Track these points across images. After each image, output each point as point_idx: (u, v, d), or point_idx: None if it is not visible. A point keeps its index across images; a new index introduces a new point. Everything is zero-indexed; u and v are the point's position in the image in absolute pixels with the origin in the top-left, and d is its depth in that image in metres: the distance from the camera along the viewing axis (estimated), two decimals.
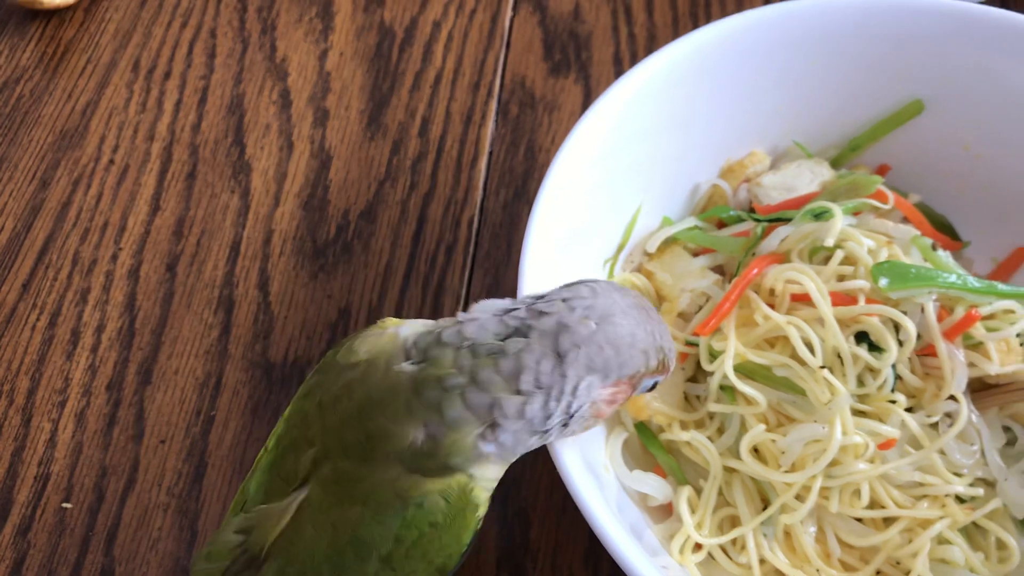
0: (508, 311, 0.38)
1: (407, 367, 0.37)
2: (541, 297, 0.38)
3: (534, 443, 0.38)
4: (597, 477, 0.45)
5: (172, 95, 0.66)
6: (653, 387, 0.41)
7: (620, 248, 0.53)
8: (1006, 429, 0.49)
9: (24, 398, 0.55)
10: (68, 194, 0.62)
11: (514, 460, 0.39)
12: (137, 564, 0.51)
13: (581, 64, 0.68)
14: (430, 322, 0.39)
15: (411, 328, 0.39)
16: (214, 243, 0.60)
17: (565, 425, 0.38)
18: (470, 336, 0.37)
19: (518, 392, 0.36)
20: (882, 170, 0.57)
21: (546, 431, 0.38)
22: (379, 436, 0.37)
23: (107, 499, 0.52)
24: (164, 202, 0.62)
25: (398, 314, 0.58)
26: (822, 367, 0.45)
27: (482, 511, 0.39)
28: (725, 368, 0.46)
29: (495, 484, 0.39)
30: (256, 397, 0.55)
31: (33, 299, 0.58)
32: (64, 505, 0.52)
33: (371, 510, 0.38)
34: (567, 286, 0.39)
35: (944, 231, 0.56)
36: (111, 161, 0.63)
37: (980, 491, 0.46)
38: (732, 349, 0.46)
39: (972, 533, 0.48)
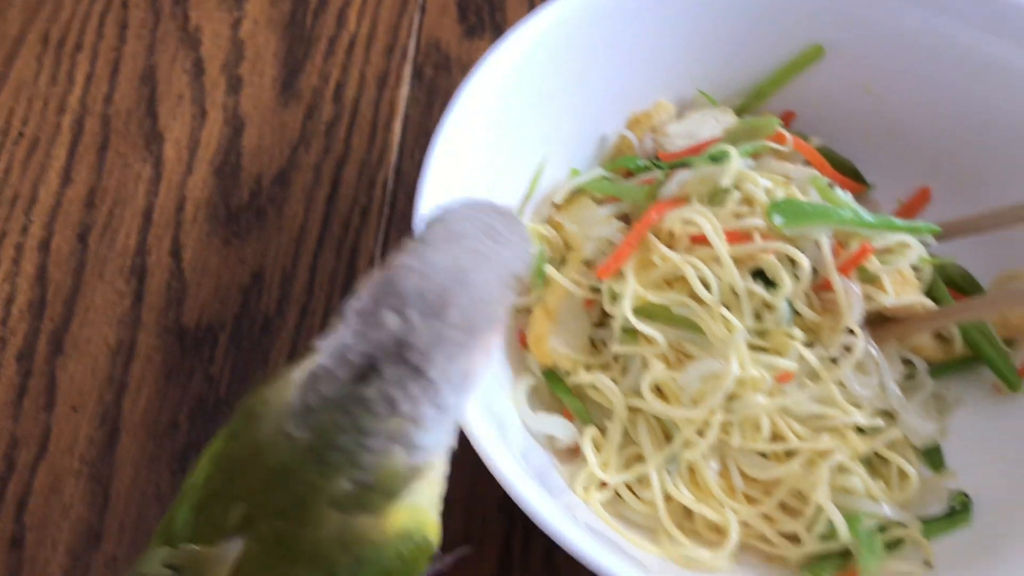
0: (344, 347, 0.34)
1: (302, 437, 0.35)
2: (366, 315, 0.34)
3: (454, 421, 0.36)
4: (502, 425, 0.46)
5: (83, 67, 0.66)
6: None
7: (527, 199, 0.53)
8: (907, 362, 0.51)
9: None
10: None
11: (451, 441, 0.37)
12: (49, 531, 0.50)
13: (495, 25, 0.68)
14: (309, 371, 0.36)
15: (298, 377, 0.36)
16: (127, 213, 0.60)
17: (465, 392, 0.36)
18: (328, 393, 0.34)
19: (405, 416, 0.34)
20: (787, 116, 0.57)
21: (455, 409, 0.35)
22: (306, 496, 0.35)
23: (17, 468, 0.52)
24: (75, 174, 0.62)
25: (312, 277, 0.58)
26: (718, 303, 0.45)
27: (435, 543, 0.37)
28: (624, 309, 0.46)
29: (444, 482, 0.37)
30: (170, 363, 0.55)
31: None
32: None
33: (320, 569, 0.36)
34: (387, 279, 0.34)
35: (849, 174, 0.57)
36: (20, 134, 0.63)
37: (880, 422, 0.47)
38: (631, 290, 0.47)
39: (874, 463, 0.48)
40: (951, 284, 0.53)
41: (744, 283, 0.46)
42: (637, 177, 0.54)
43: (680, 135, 0.54)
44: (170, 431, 0.53)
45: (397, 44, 0.67)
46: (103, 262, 0.58)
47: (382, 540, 0.35)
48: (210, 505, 0.38)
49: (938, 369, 0.52)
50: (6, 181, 0.61)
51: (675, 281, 0.48)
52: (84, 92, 0.65)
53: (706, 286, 0.46)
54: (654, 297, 0.47)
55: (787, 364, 0.45)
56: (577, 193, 0.54)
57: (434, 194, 0.45)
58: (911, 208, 0.56)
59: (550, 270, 0.50)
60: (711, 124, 0.54)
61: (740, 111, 0.57)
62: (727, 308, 0.46)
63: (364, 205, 0.60)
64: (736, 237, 0.47)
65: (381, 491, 0.35)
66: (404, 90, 0.65)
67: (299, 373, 0.36)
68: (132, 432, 0.53)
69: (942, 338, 0.52)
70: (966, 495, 0.48)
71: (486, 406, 0.44)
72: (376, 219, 0.60)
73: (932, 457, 0.50)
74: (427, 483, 0.36)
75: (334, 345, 0.35)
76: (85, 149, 0.63)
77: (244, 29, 0.68)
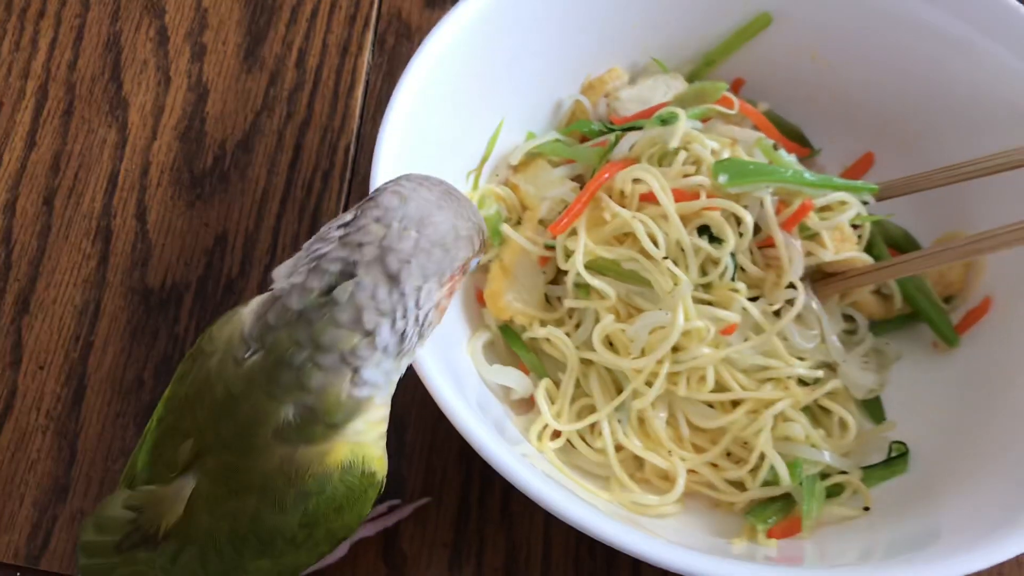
0: (321, 256, 0.36)
1: (253, 359, 0.36)
2: (349, 224, 0.36)
3: (403, 365, 0.38)
4: (459, 377, 0.47)
5: (47, 34, 0.66)
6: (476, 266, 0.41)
7: (484, 160, 0.55)
8: (848, 319, 0.53)
9: None
10: None
11: (394, 390, 0.39)
12: (16, 485, 0.52)
13: None
14: (266, 296, 0.38)
15: (250, 308, 0.38)
16: (91, 177, 0.61)
17: (421, 335, 0.38)
18: (294, 306, 0.35)
19: (366, 333, 0.35)
20: (737, 83, 0.59)
21: (407, 350, 0.37)
22: (252, 424, 0.36)
23: None
24: (40, 138, 0.62)
25: (275, 239, 0.59)
26: (665, 258, 0.47)
27: (381, 475, 0.39)
28: (576, 263, 0.48)
29: (386, 425, 0.39)
30: (135, 322, 0.56)
31: None
32: None
33: (268, 501, 0.37)
34: (371, 200, 0.37)
35: (796, 139, 0.59)
36: None
37: (820, 373, 0.49)
38: (582, 245, 0.48)
39: (817, 414, 0.51)
40: (892, 244, 0.55)
41: (690, 239, 0.48)
42: (591, 141, 0.55)
43: (632, 100, 0.56)
44: (135, 388, 0.54)
45: (359, 13, 0.68)
46: (68, 224, 0.59)
47: (324, 472, 0.37)
48: (163, 445, 0.40)
49: (879, 325, 0.54)
50: None
51: (625, 238, 0.49)
52: (48, 58, 0.65)
53: (654, 242, 0.47)
54: (605, 252, 0.48)
55: (731, 316, 0.47)
56: (533, 155, 0.55)
57: (391, 155, 0.46)
58: (855, 171, 0.58)
59: (506, 228, 0.52)
60: (662, 90, 0.56)
61: (691, 78, 0.58)
62: (674, 263, 0.48)
63: (326, 170, 0.62)
64: (683, 195, 0.49)
65: (323, 421, 0.36)
66: (366, 58, 0.66)
67: (252, 306, 0.38)
68: (98, 389, 0.54)
69: (883, 295, 0.54)
70: (904, 444, 0.51)
71: (444, 359, 0.46)
72: (338, 183, 0.61)
73: (872, 409, 0.52)
74: (369, 422, 0.37)
75: (305, 259, 0.36)
76: (50, 114, 0.63)
77: None
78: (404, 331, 0.36)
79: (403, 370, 0.39)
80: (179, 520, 0.38)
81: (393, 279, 0.35)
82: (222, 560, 0.39)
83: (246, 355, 0.36)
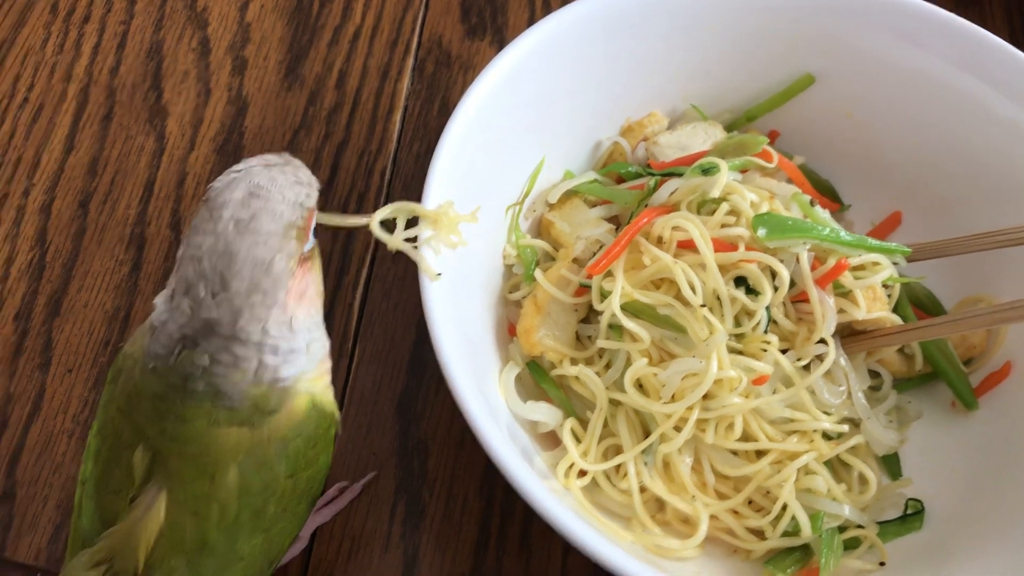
0: (164, 325, 0.39)
1: (166, 370, 0.39)
2: (165, 296, 0.39)
3: (299, 326, 0.40)
4: (491, 407, 0.48)
5: (91, 38, 0.67)
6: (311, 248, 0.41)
7: (524, 196, 0.55)
8: (874, 375, 0.54)
9: None
10: None
11: (319, 342, 0.41)
12: (39, 487, 0.52)
13: (496, 28, 0.70)
14: (155, 312, 0.40)
15: (148, 322, 0.41)
16: (128, 183, 0.61)
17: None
18: (169, 363, 0.39)
19: (235, 360, 0.38)
20: (771, 135, 0.60)
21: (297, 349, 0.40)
22: (199, 416, 0.39)
23: (10, 425, 0.53)
24: (79, 142, 0.63)
25: None
26: (702, 305, 0.48)
27: (335, 413, 0.43)
28: (613, 305, 0.49)
29: (328, 376, 0.43)
30: None
31: None
32: None
33: (252, 465, 0.39)
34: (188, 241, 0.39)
35: (826, 193, 0.60)
36: (25, 99, 0.64)
37: (845, 428, 0.50)
38: (619, 287, 0.49)
39: (837, 467, 0.51)
40: (916, 304, 0.56)
41: (727, 289, 0.48)
42: (627, 183, 0.56)
43: (671, 146, 0.57)
44: None
45: (400, 38, 0.69)
46: (103, 229, 0.60)
47: (293, 423, 0.40)
48: (109, 474, 0.40)
49: (900, 383, 0.55)
50: (10, 144, 0.62)
51: (661, 282, 0.50)
52: (90, 62, 0.66)
53: (692, 290, 0.48)
54: (641, 296, 0.49)
55: (763, 367, 0.48)
56: (570, 194, 0.56)
57: (443, 179, 0.48)
58: (882, 230, 0.59)
59: (539, 275, 0.52)
60: (701, 137, 0.57)
61: (729, 128, 0.60)
62: (709, 310, 0.48)
63: (361, 191, 0.62)
64: (721, 245, 0.49)
65: (264, 409, 0.39)
66: (405, 83, 0.67)
67: (147, 324, 0.40)
68: None
69: (905, 354, 0.55)
70: (920, 502, 0.51)
71: (477, 388, 0.46)
72: (372, 205, 0.62)
73: (890, 465, 0.53)
74: (309, 380, 0.41)
75: (159, 320, 0.39)
76: (89, 118, 0.64)
77: (251, 12, 0.69)
78: (276, 348, 0.39)
79: (305, 328, 0.40)
80: (158, 537, 0.39)
81: (232, 338, 0.38)
82: (215, 557, 0.39)
83: (154, 366, 0.39)
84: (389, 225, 0.46)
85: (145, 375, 0.39)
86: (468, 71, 0.68)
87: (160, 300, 0.40)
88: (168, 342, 0.38)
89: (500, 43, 0.70)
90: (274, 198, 0.39)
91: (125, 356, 0.41)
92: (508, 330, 0.54)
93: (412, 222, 0.47)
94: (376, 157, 0.64)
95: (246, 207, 0.38)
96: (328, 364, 0.43)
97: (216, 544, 0.39)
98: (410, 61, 0.68)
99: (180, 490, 0.39)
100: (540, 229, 0.56)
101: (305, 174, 0.41)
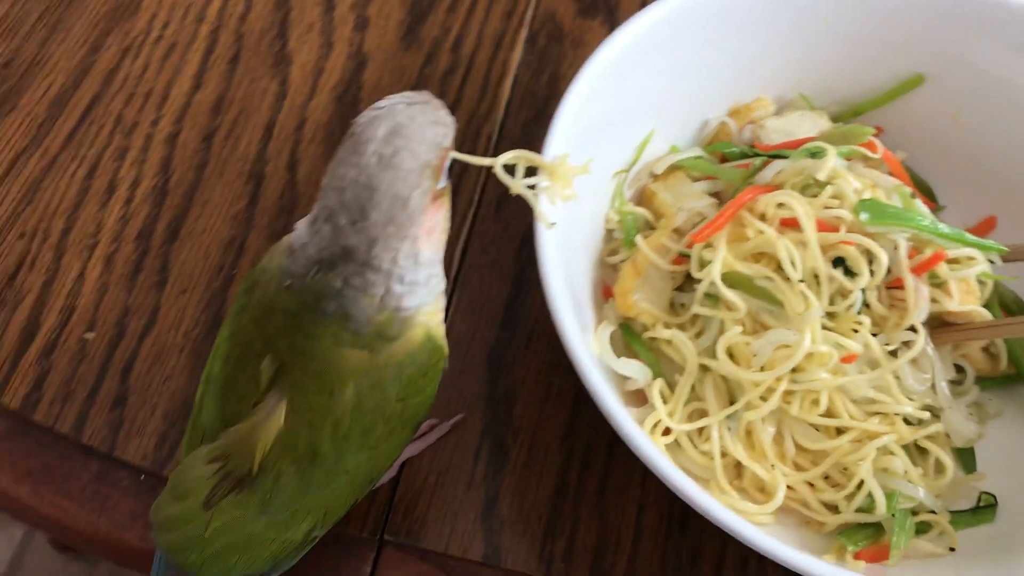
0: (304, 247, 0.41)
1: (300, 289, 0.41)
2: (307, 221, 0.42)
3: (424, 258, 0.42)
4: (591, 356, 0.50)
5: None
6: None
7: (631, 164, 0.57)
8: (958, 369, 0.55)
9: (57, 238, 0.59)
10: (117, 61, 0.66)
11: (440, 277, 0.44)
12: (150, 395, 0.55)
13: (609, 9, 0.72)
14: (295, 235, 0.43)
15: (287, 242, 0.43)
16: (250, 123, 0.64)
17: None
18: (305, 280, 0.41)
19: (366, 287, 0.41)
20: (876, 131, 0.61)
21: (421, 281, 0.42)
22: (323, 339, 0.41)
23: (127, 335, 0.56)
24: (206, 80, 0.66)
25: None
26: (801, 281, 0.49)
27: (445, 348, 0.44)
28: (713, 273, 0.50)
29: (443, 314, 0.45)
30: None
31: (75, 151, 0.62)
32: (86, 335, 0.56)
33: (368, 385, 0.41)
34: (334, 175, 0.41)
35: (924, 192, 0.61)
36: (160, 37, 0.67)
37: (927, 415, 0.51)
38: (721, 256, 0.51)
39: (914, 453, 0.52)
40: (1002, 305, 0.57)
41: (826, 268, 0.50)
42: (732, 162, 0.58)
43: (777, 130, 0.58)
44: None
45: (516, 10, 0.71)
46: (224, 164, 0.63)
47: (410, 350, 0.42)
48: (235, 379, 0.43)
49: (982, 381, 0.56)
50: (142, 77, 0.65)
51: (760, 257, 0.52)
52: (223, 6, 0.69)
53: (792, 265, 0.50)
54: (741, 267, 0.51)
55: (854, 346, 0.49)
56: (675, 167, 0.58)
57: (563, 134, 0.51)
58: (976, 232, 0.60)
59: (639, 240, 0.54)
60: (808, 125, 0.59)
61: (835, 119, 0.61)
62: (806, 287, 0.50)
63: (468, 152, 0.64)
64: (823, 226, 0.51)
65: (385, 335, 0.42)
66: (517, 53, 0.69)
67: (285, 244, 0.43)
68: None
69: (990, 353, 0.56)
70: (993, 496, 0.52)
71: (579, 339, 0.48)
72: (477, 168, 0.64)
73: (965, 459, 0.54)
74: (428, 312, 0.43)
75: (299, 242, 0.42)
76: (217, 59, 0.67)
77: None
78: (405, 278, 0.41)
79: (429, 262, 0.42)
80: (274, 442, 0.41)
81: (365, 264, 0.40)
82: (323, 467, 0.42)
83: (290, 284, 0.41)
84: (508, 172, 0.48)
85: (280, 291, 0.42)
86: (578, 47, 0.70)
87: (302, 224, 0.42)
88: (306, 263, 0.41)
89: (611, 24, 0.72)
90: (415, 137, 0.41)
91: (261, 270, 0.44)
92: (603, 292, 0.56)
93: (529, 173, 0.49)
94: (484, 121, 0.66)
95: (388, 144, 0.41)
96: (443, 302, 0.45)
97: (326, 455, 0.42)
98: (523, 33, 0.70)
99: (300, 401, 0.41)
100: (642, 198, 0.58)
101: (444, 115, 0.43)
